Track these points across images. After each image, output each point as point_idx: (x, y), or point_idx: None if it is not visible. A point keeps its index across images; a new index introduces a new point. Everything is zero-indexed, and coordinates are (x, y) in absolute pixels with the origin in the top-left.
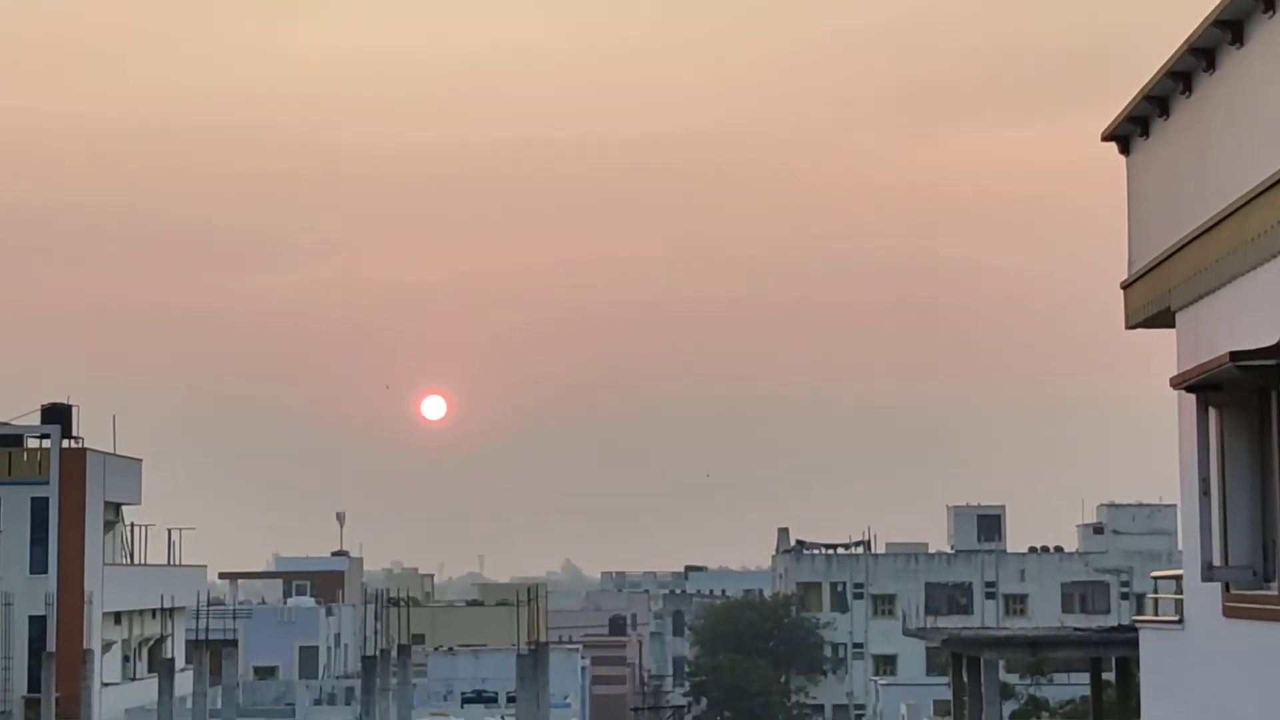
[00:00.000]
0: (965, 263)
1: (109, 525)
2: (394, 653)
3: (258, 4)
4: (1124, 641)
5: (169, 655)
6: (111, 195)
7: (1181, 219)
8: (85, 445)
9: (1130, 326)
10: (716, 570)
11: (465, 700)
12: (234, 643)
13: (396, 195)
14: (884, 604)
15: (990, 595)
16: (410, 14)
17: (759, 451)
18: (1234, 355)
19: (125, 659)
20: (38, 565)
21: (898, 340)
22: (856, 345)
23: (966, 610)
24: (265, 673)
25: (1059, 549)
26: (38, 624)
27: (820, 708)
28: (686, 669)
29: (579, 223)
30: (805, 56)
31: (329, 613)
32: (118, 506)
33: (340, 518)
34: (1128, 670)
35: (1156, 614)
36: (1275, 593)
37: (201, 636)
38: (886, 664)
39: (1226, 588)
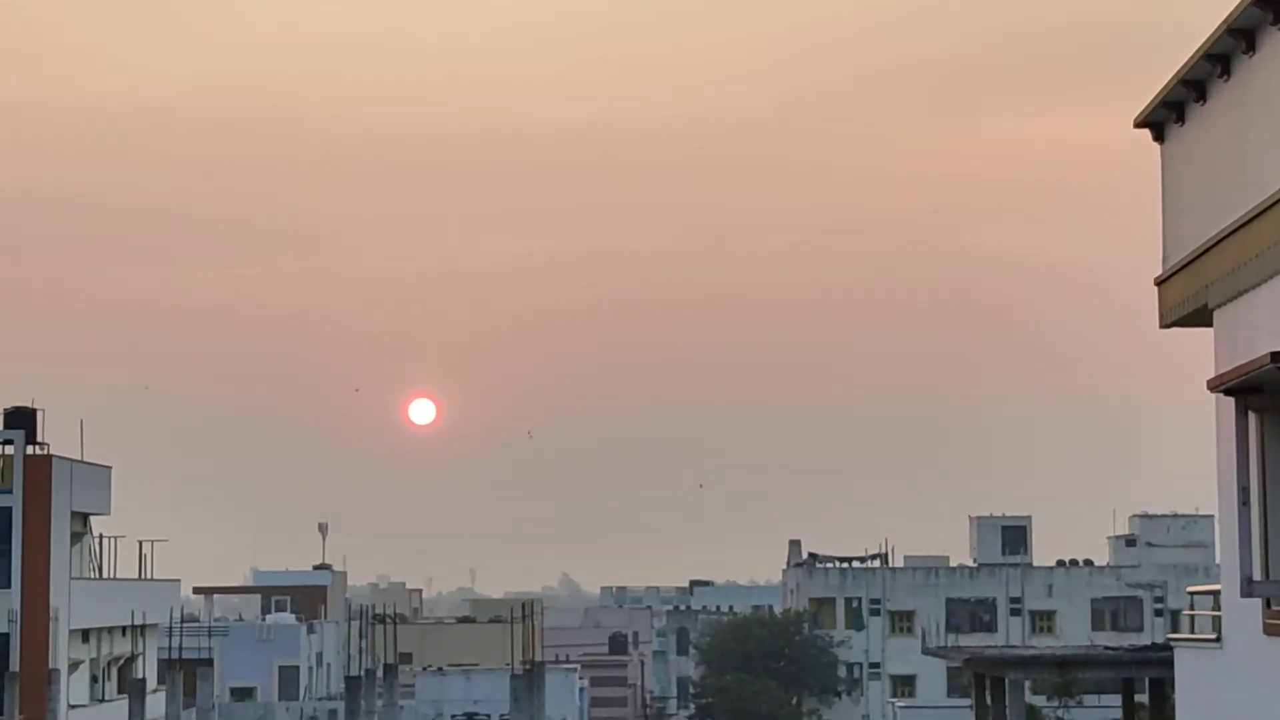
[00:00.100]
0: (990, 256)
1: (76, 537)
2: (380, 673)
3: None
4: (1158, 661)
5: (140, 675)
6: (76, 183)
7: (1219, 210)
8: (50, 452)
9: (1165, 325)
10: (723, 585)
11: None
12: (209, 662)
13: (382, 183)
14: (902, 621)
15: (1015, 612)
16: None
17: (769, 458)
18: (1275, 356)
19: (93, 679)
20: (0, 579)
21: (917, 340)
22: (874, 344)
23: (990, 628)
24: (242, 694)
25: (1089, 562)
26: (0, 642)
27: None
28: (691, 690)
29: (579, 211)
30: (825, 34)
31: (310, 630)
32: (85, 517)
33: (323, 529)
34: (1162, 692)
35: (1193, 632)
36: None
37: (175, 655)
38: (905, 685)
39: (1267, 604)
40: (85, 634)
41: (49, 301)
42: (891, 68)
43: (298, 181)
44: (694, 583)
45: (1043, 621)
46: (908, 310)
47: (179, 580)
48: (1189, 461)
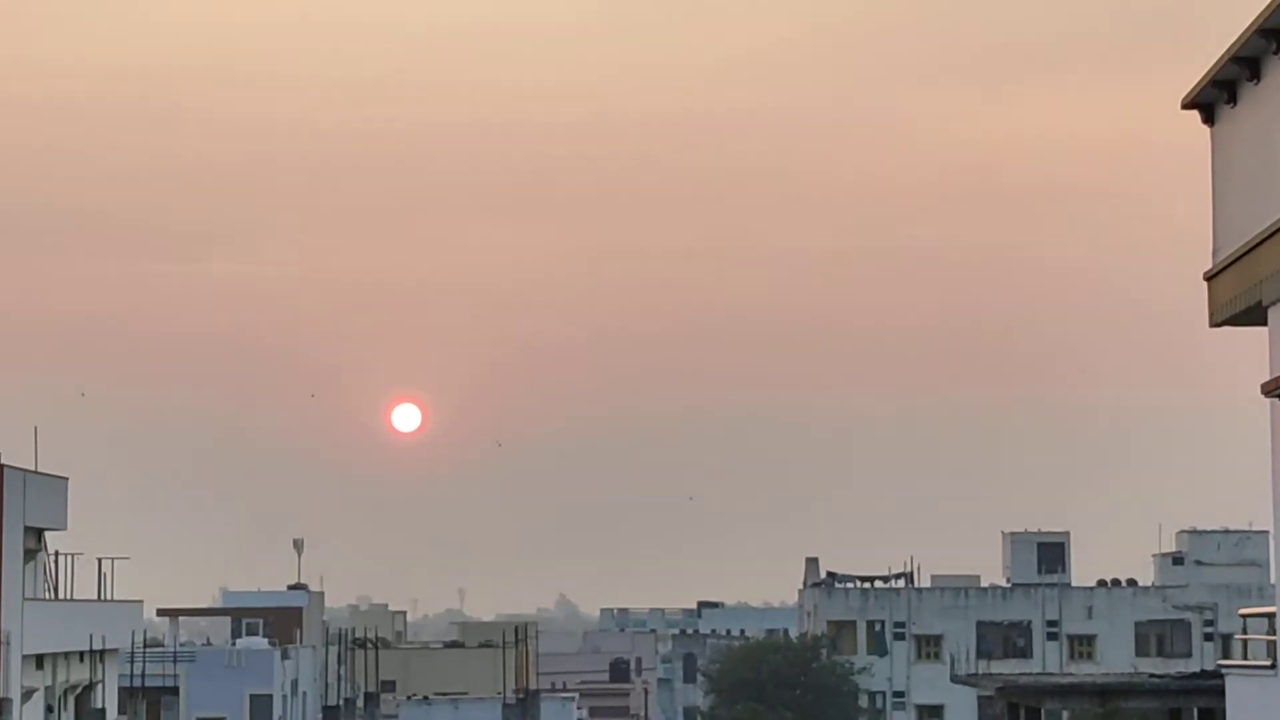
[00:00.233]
0: (1020, 255)
1: (29, 554)
2: (360, 702)
3: None
4: (1208, 690)
5: (99, 704)
6: (27, 181)
7: (1274, 199)
8: (2, 461)
9: (1215, 324)
10: (734, 607)
11: None
12: (174, 690)
13: (362, 175)
14: (929, 646)
15: (1052, 636)
16: None
17: (784, 471)
18: None
19: (49, 709)
20: None
21: (944, 343)
22: (897, 348)
23: (1025, 653)
24: None
25: (1132, 582)
26: None
27: None
28: None
29: (577, 206)
30: (836, 24)
31: (285, 656)
32: (40, 532)
33: (298, 545)
34: None
35: (1245, 657)
36: None
37: (137, 683)
38: (932, 715)
39: None
40: (39, 660)
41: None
42: (906, 59)
43: (269, 173)
44: (702, 604)
45: (1082, 647)
46: (933, 312)
47: (142, 601)
48: (1241, 472)
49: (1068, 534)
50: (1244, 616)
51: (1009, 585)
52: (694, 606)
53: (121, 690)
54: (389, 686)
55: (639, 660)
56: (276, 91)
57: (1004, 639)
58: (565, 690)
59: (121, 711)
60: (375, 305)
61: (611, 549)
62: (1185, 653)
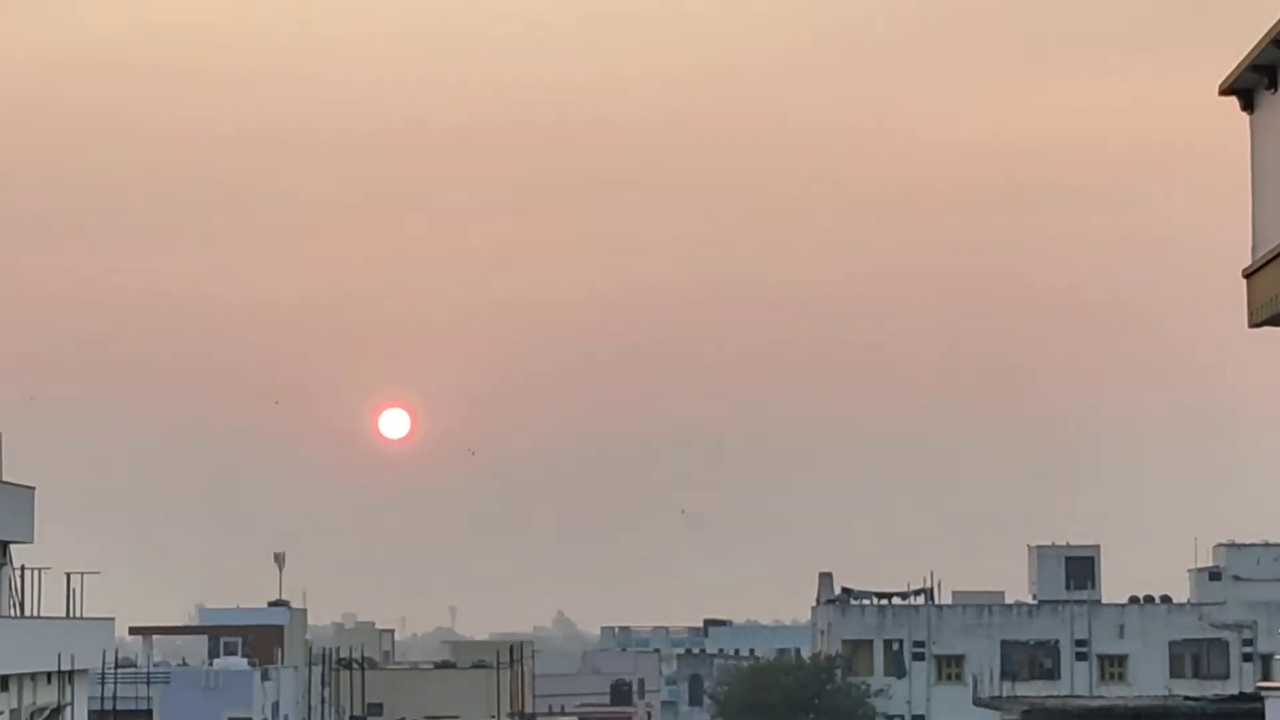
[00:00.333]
0: (1049, 241)
1: None
2: None
3: None
4: (1246, 713)
5: None
6: None
7: None
8: None
9: (1255, 324)
10: (743, 625)
11: None
12: (148, 713)
13: (347, 173)
14: (950, 666)
15: (1081, 656)
16: None
17: (796, 480)
18: None
19: None
20: None
21: (966, 340)
22: (916, 345)
23: (1052, 675)
24: None
25: (1166, 599)
26: None
27: None
28: None
29: (576, 190)
30: (837, 24)
31: (265, 677)
32: (5, 545)
33: (279, 559)
34: None
35: None
36: None
37: (108, 705)
38: None
39: None
40: (4, 681)
41: None
42: (921, 37)
43: (247, 170)
44: (709, 622)
45: (1113, 667)
46: (952, 316)
47: (113, 619)
48: None
49: (1097, 547)
50: None
51: (1035, 602)
52: (700, 624)
53: (92, 713)
54: (376, 710)
55: (642, 682)
56: (256, 88)
57: (1030, 659)
58: (563, 714)
59: None
60: (361, 305)
61: (612, 563)
62: (1223, 674)
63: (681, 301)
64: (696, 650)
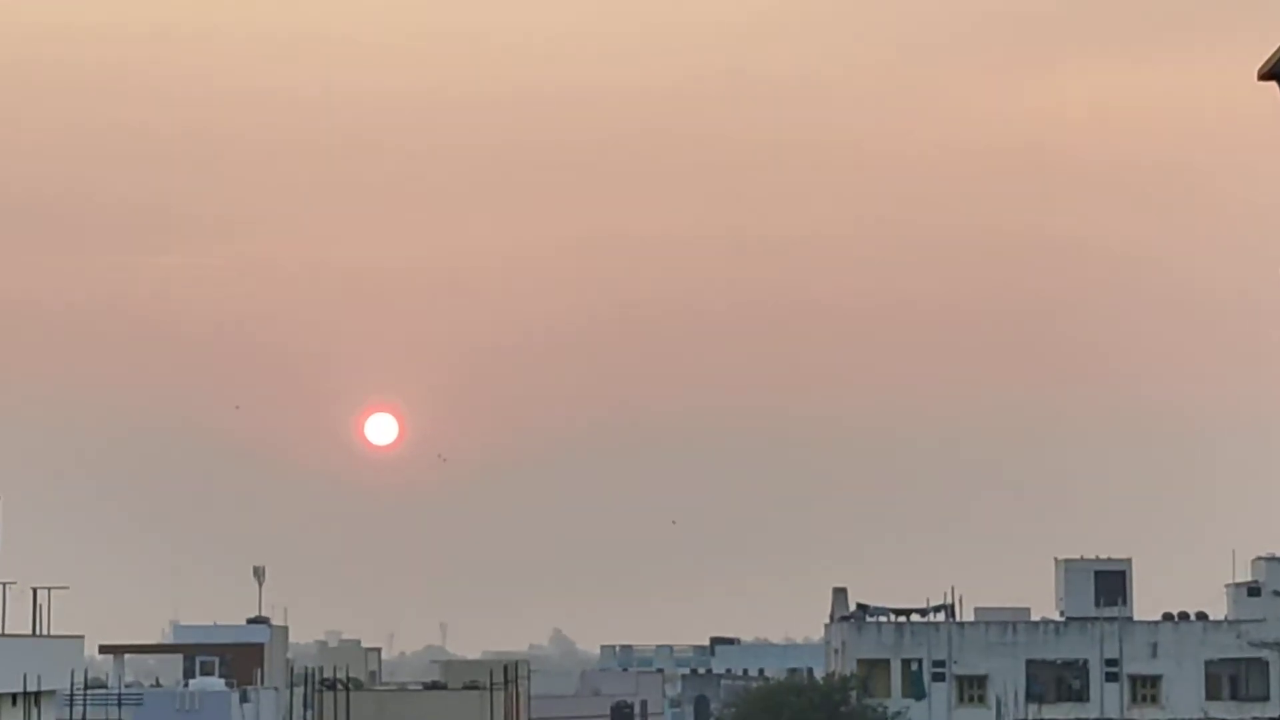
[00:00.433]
0: (1073, 243)
1: None
2: None
3: None
4: None
5: None
6: None
7: None
8: None
9: None
10: (751, 643)
11: None
12: None
13: (332, 159)
14: (972, 687)
15: (1112, 677)
16: None
17: (808, 489)
18: None
19: None
20: None
21: (987, 344)
22: (933, 349)
23: (1080, 696)
24: None
25: (1202, 616)
26: None
27: None
28: None
29: (572, 194)
30: None
31: (244, 698)
32: None
33: (258, 573)
34: None
35: None
36: None
37: None
38: None
39: None
40: None
41: None
42: (944, 21)
43: (224, 155)
44: (715, 640)
45: (1146, 688)
46: (977, 309)
47: (82, 637)
48: None
49: (1129, 561)
50: None
51: (1063, 619)
52: (706, 643)
53: None
54: None
55: (644, 704)
56: (231, 69)
57: (1057, 680)
58: None
59: None
60: (345, 303)
61: (613, 578)
62: (1262, 695)
63: (687, 300)
64: (702, 670)
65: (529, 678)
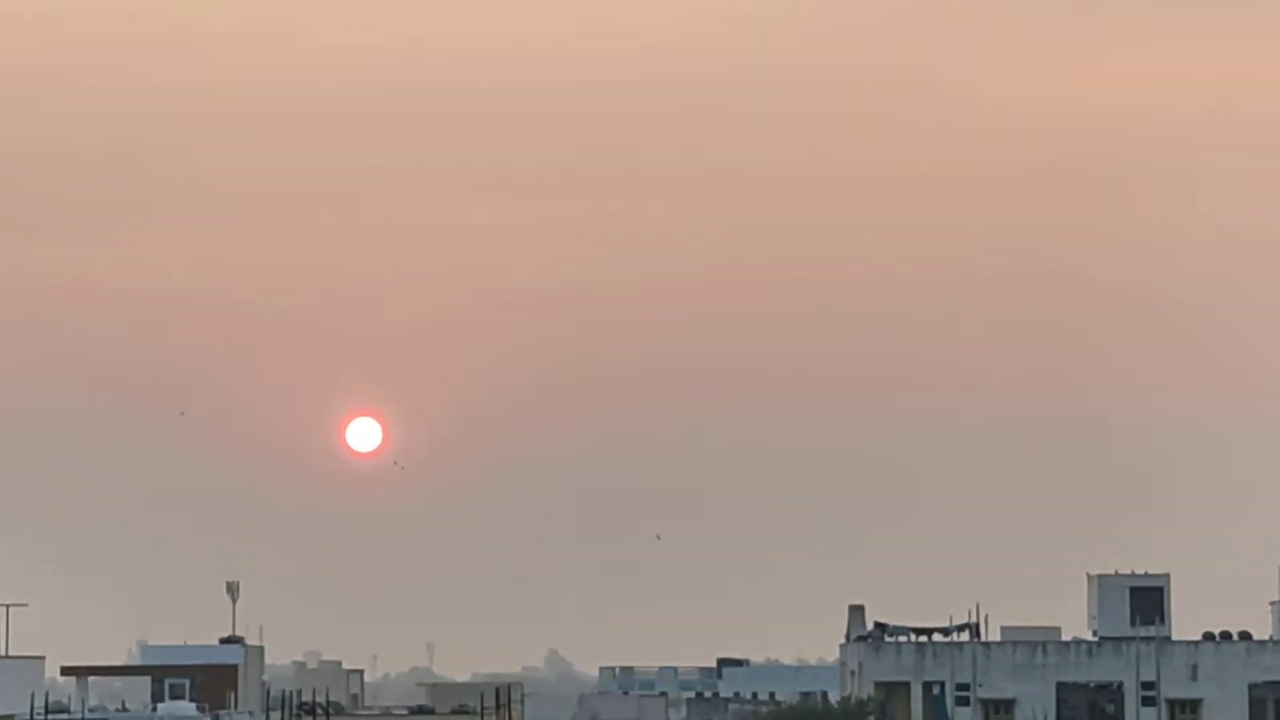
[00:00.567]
0: (1114, 225)
1: None
2: None
3: None
4: None
5: None
6: None
7: None
8: None
9: None
10: (761, 664)
11: None
12: None
13: (302, 139)
14: (999, 713)
15: (1149, 700)
16: None
17: (821, 499)
18: None
19: None
20: None
21: (1015, 336)
22: (956, 341)
23: None
24: None
25: (1245, 636)
26: None
27: None
28: None
29: (573, 187)
30: None
31: None
32: None
33: (232, 590)
34: None
35: None
36: None
37: None
38: None
39: None
40: None
41: None
42: (984, 11)
43: (181, 134)
44: (722, 661)
45: (1185, 713)
46: (1002, 297)
47: (43, 658)
48: None
49: (1167, 576)
50: None
51: (1096, 639)
52: (713, 664)
53: None
54: None
55: None
56: (195, 44)
57: (1090, 704)
58: None
59: None
60: (322, 296)
61: (613, 595)
62: None
63: (694, 297)
64: (709, 694)
65: (523, 702)
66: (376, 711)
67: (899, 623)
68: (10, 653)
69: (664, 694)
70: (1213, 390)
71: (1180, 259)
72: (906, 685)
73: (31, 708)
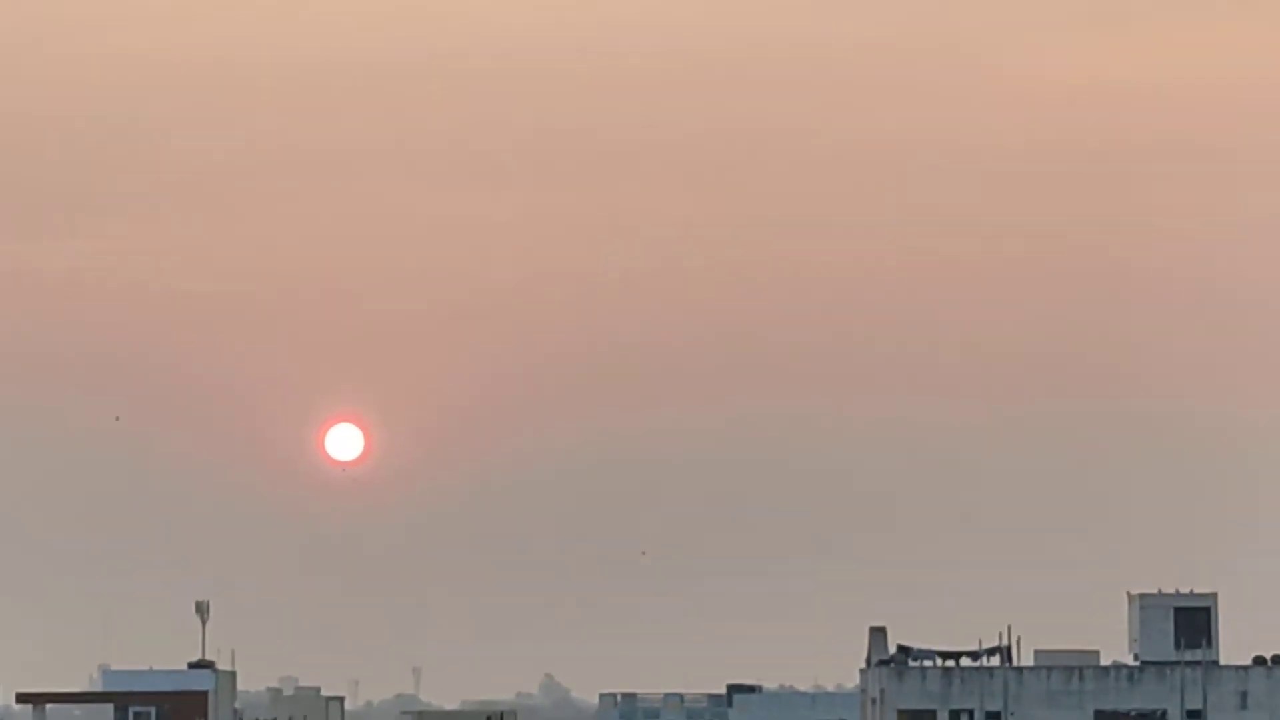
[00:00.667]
0: (1149, 226)
1: None
2: None
3: None
4: None
5: None
6: None
7: None
8: None
9: None
10: (775, 691)
11: None
12: None
13: (280, 110)
14: None
15: None
16: None
17: (841, 514)
18: None
19: None
20: None
21: (1050, 349)
22: (989, 355)
23: None
24: None
25: None
26: None
27: None
28: None
29: (570, 175)
30: None
31: None
32: None
33: (201, 610)
34: None
35: None
36: None
37: None
38: None
39: None
40: None
41: None
42: None
43: (147, 99)
44: (733, 688)
45: None
46: (1038, 307)
47: None
48: None
49: (1214, 596)
50: None
51: (1137, 664)
52: (723, 691)
53: None
54: None
55: None
56: (171, 20)
57: None
58: None
59: None
60: (300, 295)
61: (614, 616)
62: None
63: (698, 292)
64: None
65: None
66: None
67: (924, 646)
68: None
69: None
70: (1266, 392)
71: (1228, 248)
72: (932, 713)
73: None
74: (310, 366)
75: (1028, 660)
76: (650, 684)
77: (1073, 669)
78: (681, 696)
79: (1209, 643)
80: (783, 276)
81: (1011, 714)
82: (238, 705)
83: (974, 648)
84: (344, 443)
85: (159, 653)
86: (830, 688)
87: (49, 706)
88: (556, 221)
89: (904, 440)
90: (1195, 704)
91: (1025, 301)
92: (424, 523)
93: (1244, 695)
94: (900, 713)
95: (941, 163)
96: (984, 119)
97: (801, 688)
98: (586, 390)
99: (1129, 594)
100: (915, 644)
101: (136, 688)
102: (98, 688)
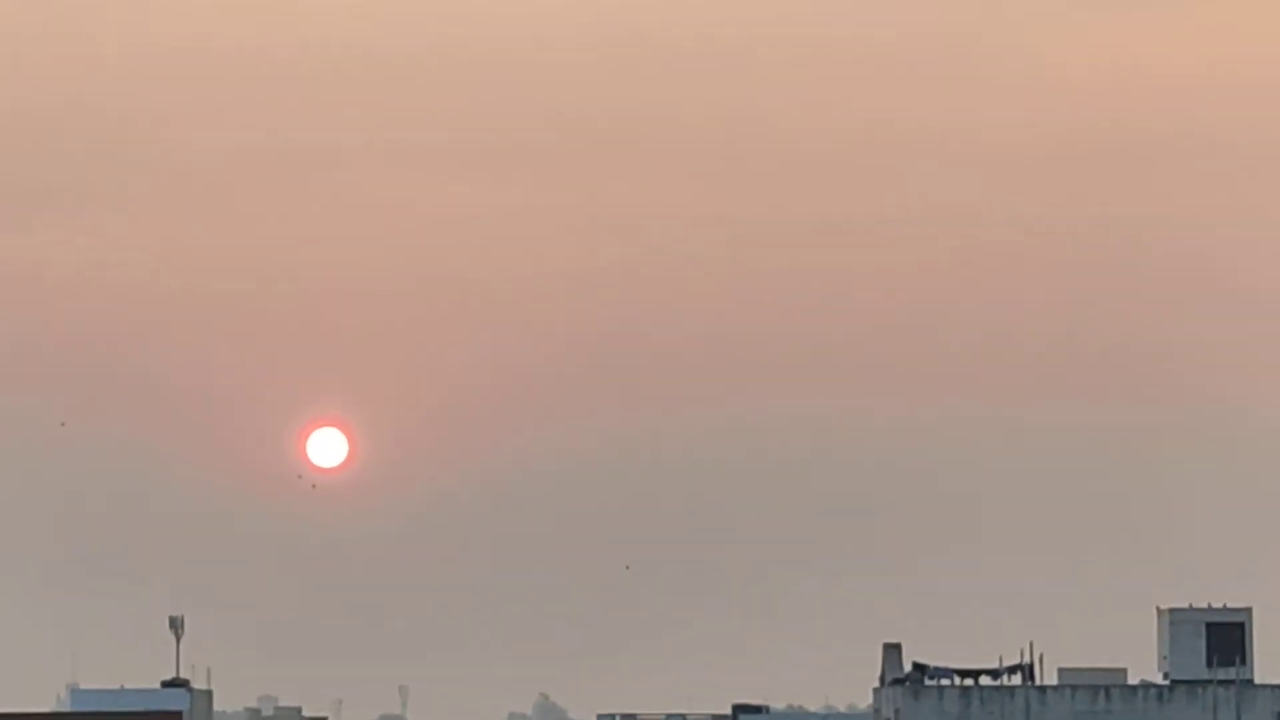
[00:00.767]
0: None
1: None
2: None
3: None
4: None
5: None
6: None
7: None
8: None
9: None
10: (784, 711)
11: None
12: None
13: (260, 98)
14: None
15: None
16: None
17: (850, 526)
18: None
19: None
20: None
21: (1076, 351)
22: (1010, 358)
23: None
24: None
25: None
26: None
27: None
28: None
29: (570, 166)
30: None
31: None
32: None
33: (176, 626)
34: None
35: None
36: None
37: None
38: None
39: None
40: None
41: None
42: None
43: (122, 88)
44: (739, 708)
45: None
46: (1064, 309)
47: None
48: None
49: (1248, 611)
50: None
51: (1167, 682)
52: (728, 710)
53: None
54: None
55: None
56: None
57: None
58: None
59: None
60: (280, 293)
61: (612, 631)
62: None
63: (702, 286)
64: None
65: None
66: None
67: (941, 663)
68: None
69: None
70: None
71: (1249, 242)
72: None
73: None
74: (292, 369)
75: (1051, 679)
76: (651, 704)
77: (1099, 688)
78: (684, 717)
79: (1243, 660)
80: (786, 276)
81: None
82: None
83: (994, 665)
84: (326, 447)
85: (130, 671)
86: (842, 708)
87: None
88: (550, 221)
89: (918, 446)
90: None
91: (1047, 307)
92: (412, 532)
93: (1279, 716)
94: None
95: (949, 155)
96: (990, 111)
97: (811, 708)
98: (584, 395)
99: (1158, 609)
100: (932, 662)
101: (106, 708)
102: (65, 708)
